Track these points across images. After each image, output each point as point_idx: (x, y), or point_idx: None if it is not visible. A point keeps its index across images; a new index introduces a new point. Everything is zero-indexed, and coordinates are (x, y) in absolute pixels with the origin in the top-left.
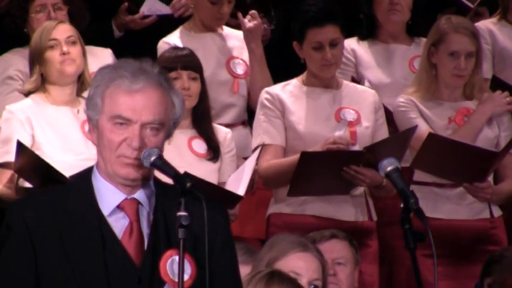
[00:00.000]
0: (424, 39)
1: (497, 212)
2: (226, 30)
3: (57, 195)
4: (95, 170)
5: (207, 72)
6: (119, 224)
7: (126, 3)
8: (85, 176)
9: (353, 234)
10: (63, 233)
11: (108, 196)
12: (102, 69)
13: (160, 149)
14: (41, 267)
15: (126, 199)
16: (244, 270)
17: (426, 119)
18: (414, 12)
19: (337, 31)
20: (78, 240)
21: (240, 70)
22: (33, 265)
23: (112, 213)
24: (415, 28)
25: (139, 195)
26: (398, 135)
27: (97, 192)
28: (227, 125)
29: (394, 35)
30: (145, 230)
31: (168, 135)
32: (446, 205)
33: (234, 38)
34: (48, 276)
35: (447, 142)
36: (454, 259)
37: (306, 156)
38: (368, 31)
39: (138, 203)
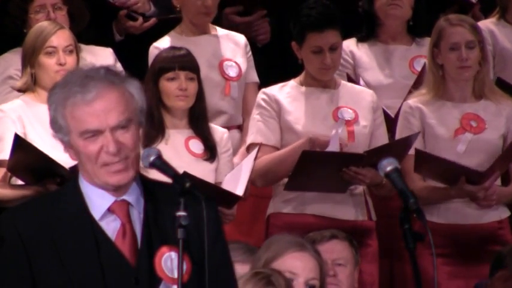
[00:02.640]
0: (426, 39)
1: (504, 213)
2: (220, 31)
3: (47, 203)
4: (81, 177)
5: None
6: (110, 227)
7: (124, 10)
8: (72, 181)
9: (353, 233)
10: (57, 240)
11: (97, 200)
12: (52, 91)
13: (137, 141)
14: (37, 276)
15: (115, 201)
16: (245, 269)
17: (430, 131)
18: (416, 13)
19: (337, 35)
20: (72, 246)
21: (232, 73)
22: (29, 274)
23: (103, 216)
24: (417, 28)
25: (128, 196)
26: (399, 140)
27: (86, 197)
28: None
29: (394, 35)
30: (138, 230)
31: (140, 124)
32: (456, 211)
33: (227, 39)
34: (45, 285)
35: (434, 159)
36: (463, 259)
37: (306, 155)
38: (368, 30)
39: (128, 204)
